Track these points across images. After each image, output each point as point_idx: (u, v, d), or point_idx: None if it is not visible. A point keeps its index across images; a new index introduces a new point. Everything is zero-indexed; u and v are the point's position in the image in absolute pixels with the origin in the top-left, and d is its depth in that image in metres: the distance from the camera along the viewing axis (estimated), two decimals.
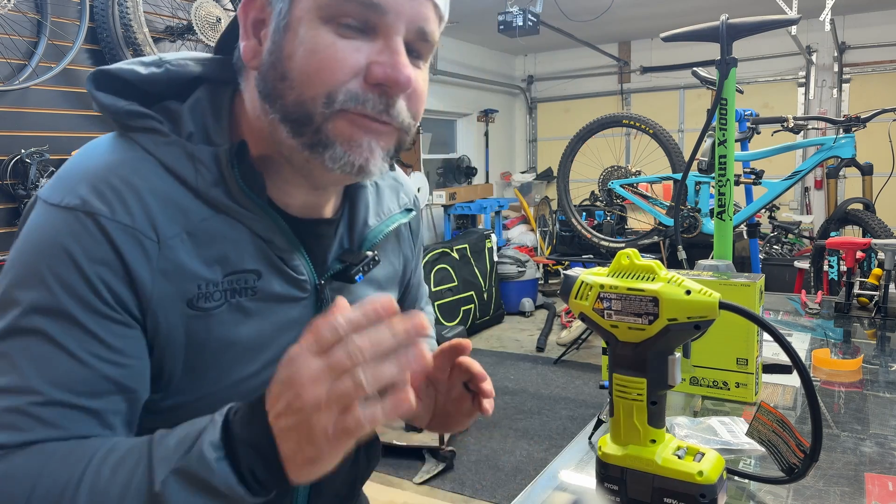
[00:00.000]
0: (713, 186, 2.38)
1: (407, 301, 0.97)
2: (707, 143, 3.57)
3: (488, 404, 0.74)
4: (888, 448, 0.97)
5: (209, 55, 0.74)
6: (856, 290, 1.83)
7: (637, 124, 3.94)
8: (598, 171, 4.55)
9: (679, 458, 0.75)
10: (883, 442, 1.00)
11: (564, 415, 3.68)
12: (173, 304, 0.63)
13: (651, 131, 3.87)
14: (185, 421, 0.58)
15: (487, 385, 0.75)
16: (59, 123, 2.33)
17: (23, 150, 2.16)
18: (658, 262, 0.75)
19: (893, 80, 6.01)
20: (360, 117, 0.63)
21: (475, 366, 0.74)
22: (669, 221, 3.93)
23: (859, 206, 3.24)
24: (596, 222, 5.15)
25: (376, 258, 0.76)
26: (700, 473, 0.72)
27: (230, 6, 2.84)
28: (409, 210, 0.87)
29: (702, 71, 3.27)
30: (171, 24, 2.65)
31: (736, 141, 3.27)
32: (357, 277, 0.74)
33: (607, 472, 0.79)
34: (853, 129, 3.22)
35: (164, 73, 0.70)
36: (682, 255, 1.86)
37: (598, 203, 4.89)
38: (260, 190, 0.67)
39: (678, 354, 0.75)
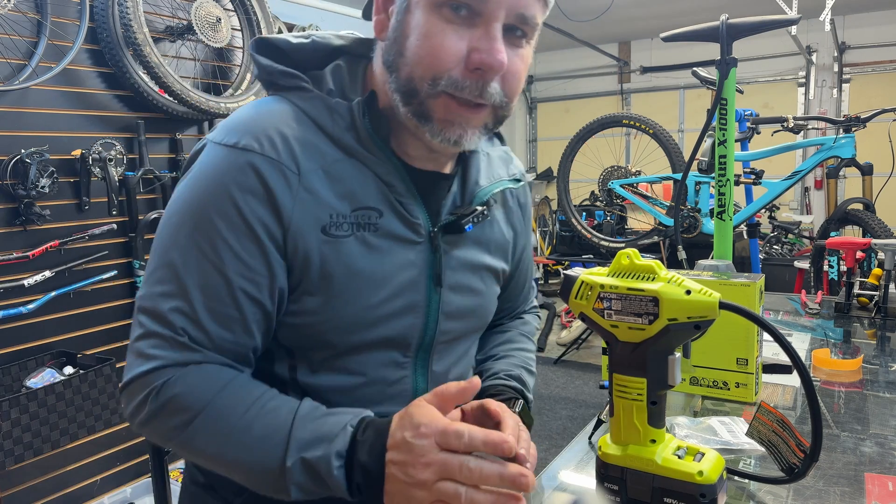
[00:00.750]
0: (713, 186, 2.38)
1: (517, 279, 1.03)
2: (707, 143, 3.57)
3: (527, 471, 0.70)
4: (888, 448, 0.97)
5: (349, 33, 0.86)
6: (856, 290, 1.83)
7: (637, 124, 3.94)
8: (598, 171, 4.55)
9: (679, 458, 0.75)
10: (883, 442, 1.00)
11: (564, 415, 3.68)
12: (310, 229, 0.74)
13: (651, 131, 3.87)
14: (315, 336, 0.76)
15: (521, 451, 0.68)
16: (59, 123, 2.33)
17: (23, 150, 2.16)
18: (658, 262, 0.75)
19: (893, 80, 6.01)
20: (455, 102, 0.73)
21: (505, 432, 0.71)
22: (669, 221, 3.93)
23: (859, 206, 3.24)
24: (596, 222, 5.14)
25: (485, 213, 0.86)
26: (700, 473, 0.72)
27: (230, 6, 2.84)
28: (518, 180, 0.95)
29: (702, 71, 3.27)
30: (171, 24, 2.65)
31: (736, 141, 3.27)
32: (467, 227, 0.83)
33: (607, 472, 0.79)
34: (853, 129, 3.22)
35: (311, 44, 0.83)
36: (682, 255, 1.86)
37: (598, 203, 4.89)
38: (385, 138, 0.78)
39: (678, 354, 0.75)
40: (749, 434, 0.88)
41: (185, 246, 0.73)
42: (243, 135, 0.74)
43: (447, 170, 0.85)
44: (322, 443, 0.68)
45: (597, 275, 0.78)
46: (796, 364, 0.71)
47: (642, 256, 0.76)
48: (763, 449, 0.87)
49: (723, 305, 0.70)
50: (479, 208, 0.84)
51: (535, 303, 1.14)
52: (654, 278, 0.74)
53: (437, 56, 0.71)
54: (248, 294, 0.73)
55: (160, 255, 0.74)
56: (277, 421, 0.70)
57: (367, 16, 0.83)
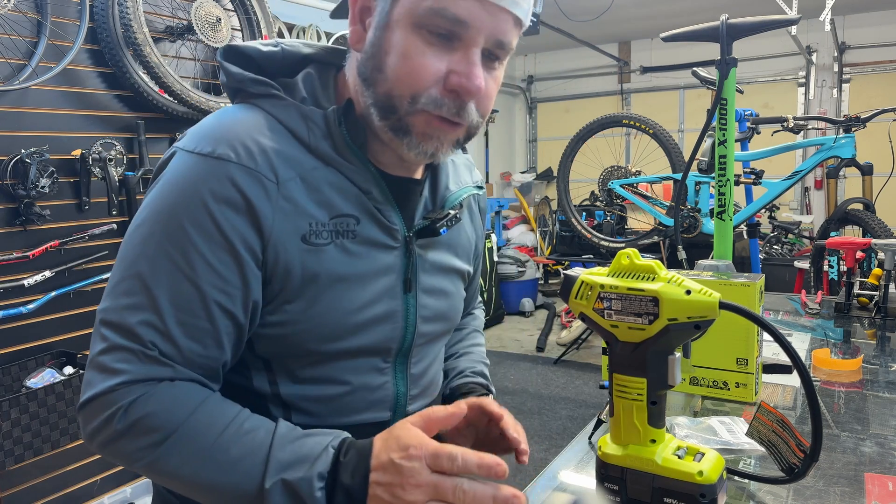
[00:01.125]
0: (713, 186, 2.38)
1: (474, 279, 1.05)
2: (707, 143, 3.57)
3: (525, 458, 0.81)
4: (888, 448, 0.97)
5: (316, 42, 0.87)
6: (856, 290, 1.83)
7: (637, 124, 3.94)
8: (598, 171, 4.55)
9: (679, 458, 0.75)
10: (883, 442, 1.00)
11: (564, 415, 3.68)
12: (290, 239, 0.73)
13: (651, 131, 3.87)
14: (296, 345, 0.75)
15: (523, 445, 0.82)
16: (59, 123, 2.33)
17: (23, 150, 2.16)
18: (658, 261, 0.75)
19: (893, 80, 6.01)
20: (435, 118, 0.74)
21: (510, 432, 0.81)
22: (669, 221, 3.93)
23: (859, 206, 3.24)
24: (596, 222, 5.14)
25: (458, 216, 0.87)
26: (700, 473, 0.72)
27: (230, 6, 2.84)
28: (480, 187, 0.99)
29: (702, 71, 3.27)
30: (171, 24, 2.65)
31: (736, 141, 3.27)
32: (441, 231, 0.84)
33: (607, 472, 0.79)
34: (853, 129, 3.22)
35: (280, 52, 0.82)
36: (682, 255, 1.86)
37: (598, 203, 4.88)
38: (361, 145, 0.78)
39: (678, 354, 0.75)
40: (749, 434, 0.88)
41: (154, 256, 0.70)
42: (218, 143, 0.72)
43: (418, 175, 0.86)
44: (303, 464, 0.67)
45: (597, 275, 0.78)
46: (796, 364, 0.71)
47: (642, 256, 0.76)
48: (763, 449, 0.87)
49: (723, 305, 0.70)
50: (452, 212, 0.86)
51: (480, 298, 1.19)
52: (654, 278, 0.74)
53: (418, 75, 0.72)
54: (221, 306, 0.71)
55: (126, 266, 0.71)
56: (255, 442, 0.68)
57: (334, 15, 0.87)
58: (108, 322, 0.70)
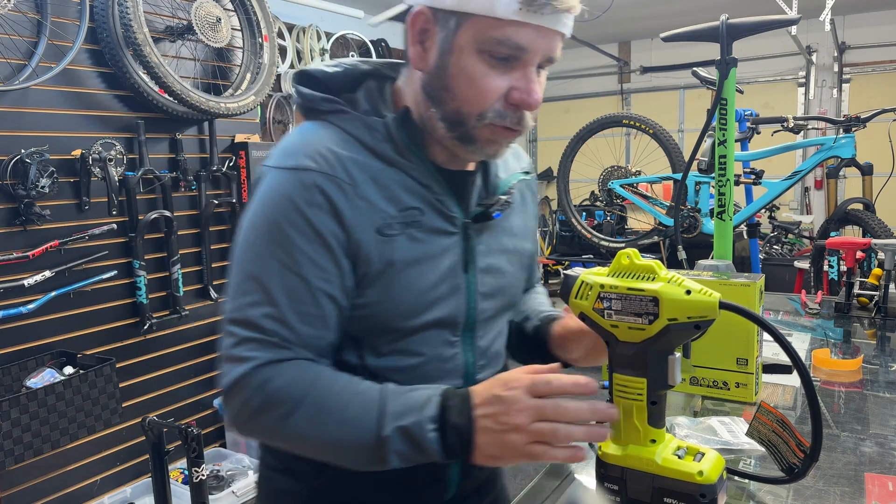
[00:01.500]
0: (713, 186, 2.38)
1: (532, 258, 1.13)
2: (707, 143, 3.57)
3: None
4: (888, 448, 0.98)
5: (373, 59, 0.98)
6: (856, 290, 1.83)
7: (637, 124, 3.94)
8: (598, 171, 4.55)
9: (679, 458, 0.75)
10: (883, 442, 1.00)
11: None
12: (367, 232, 0.84)
13: (651, 131, 3.87)
14: (380, 324, 0.87)
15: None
16: (59, 123, 2.33)
17: (23, 150, 2.16)
18: (658, 261, 0.76)
19: (893, 80, 6.01)
20: (499, 128, 0.85)
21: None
22: (669, 221, 3.93)
23: (859, 206, 3.24)
24: (596, 222, 5.14)
25: (509, 201, 0.97)
26: (700, 473, 0.72)
27: (230, 6, 2.84)
28: (528, 172, 1.08)
29: (702, 71, 3.27)
30: (171, 24, 2.65)
31: (736, 141, 3.27)
32: (495, 214, 0.93)
33: (607, 472, 0.79)
34: (853, 129, 3.22)
35: (343, 72, 0.93)
36: (682, 255, 1.86)
37: (598, 203, 4.88)
38: (419, 146, 0.89)
39: (678, 354, 0.75)
40: (749, 434, 0.89)
41: (264, 259, 0.82)
42: (300, 157, 0.84)
43: (470, 167, 0.95)
44: (414, 411, 0.77)
45: (597, 275, 0.78)
46: (796, 364, 0.71)
47: (642, 256, 0.76)
48: (763, 449, 0.87)
49: (723, 305, 0.70)
50: (504, 197, 0.95)
51: (539, 276, 1.25)
52: (654, 278, 0.74)
53: (484, 95, 0.82)
54: (325, 292, 0.83)
55: (241, 272, 0.84)
56: (368, 399, 0.79)
57: (399, 19, 0.95)
58: (235, 320, 0.83)
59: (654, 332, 0.73)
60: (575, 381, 0.73)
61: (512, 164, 1.04)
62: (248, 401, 0.80)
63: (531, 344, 1.05)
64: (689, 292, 0.71)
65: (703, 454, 0.76)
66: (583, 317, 0.79)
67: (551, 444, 0.73)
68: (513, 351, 1.10)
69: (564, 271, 0.82)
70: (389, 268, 0.86)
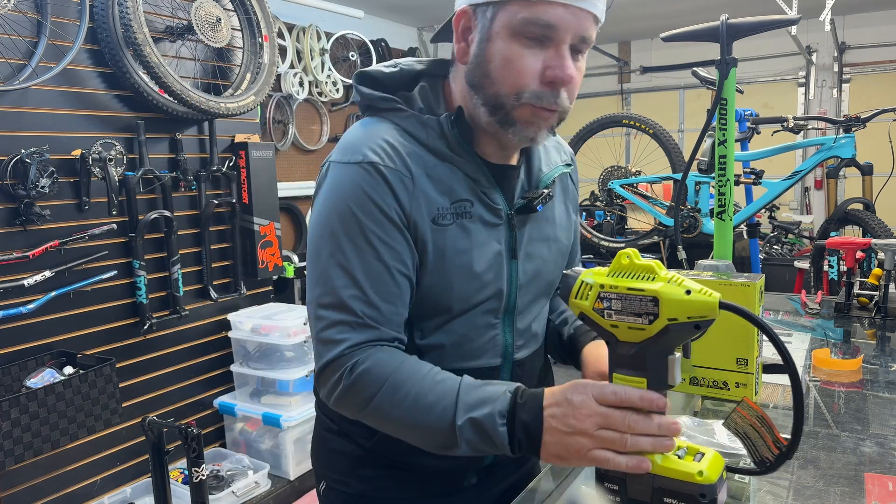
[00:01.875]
0: (713, 186, 2.38)
1: (574, 246, 1.20)
2: (707, 143, 3.56)
3: None
4: (888, 448, 0.98)
5: (427, 58, 1.05)
6: (856, 290, 1.83)
7: (637, 124, 3.94)
8: (597, 170, 4.55)
9: (679, 458, 0.75)
10: (883, 442, 1.00)
11: None
12: (424, 221, 0.92)
13: (651, 131, 3.87)
14: (435, 305, 0.94)
15: None
16: (59, 123, 2.33)
17: (23, 150, 2.16)
18: (658, 262, 0.75)
19: (893, 80, 6.01)
20: (537, 108, 0.89)
21: None
22: (669, 221, 3.93)
23: (859, 206, 3.24)
24: (596, 222, 5.13)
25: (550, 194, 1.02)
26: (700, 473, 0.72)
27: (230, 6, 2.84)
28: (569, 164, 1.14)
29: (702, 71, 3.27)
30: (171, 24, 2.65)
31: (736, 141, 3.27)
32: (538, 207, 1.00)
33: (607, 472, 0.79)
34: (853, 129, 3.22)
35: (399, 72, 1.01)
36: (682, 255, 1.86)
37: (597, 203, 4.88)
38: (469, 142, 0.95)
39: (678, 354, 0.75)
40: (726, 425, 0.88)
41: (343, 245, 0.89)
42: (364, 150, 0.91)
43: (514, 161, 1.02)
44: (486, 405, 0.81)
45: (597, 275, 0.78)
46: (786, 362, 0.71)
47: (642, 256, 0.76)
48: (738, 441, 0.87)
49: (723, 305, 0.70)
50: (546, 191, 1.01)
51: (580, 256, 1.30)
52: (654, 278, 0.74)
53: (520, 75, 0.87)
54: (400, 272, 0.90)
55: (322, 261, 0.91)
56: (446, 388, 0.84)
57: (435, 40, 1.06)
58: (323, 304, 0.90)
59: (654, 331, 0.73)
60: (642, 396, 0.75)
61: (554, 156, 1.10)
62: (339, 381, 0.88)
63: (566, 351, 1.14)
64: (689, 292, 0.71)
65: (703, 454, 0.76)
66: (582, 317, 0.79)
67: (617, 451, 0.75)
68: (550, 349, 1.17)
69: (564, 271, 0.82)
70: (442, 254, 0.92)
